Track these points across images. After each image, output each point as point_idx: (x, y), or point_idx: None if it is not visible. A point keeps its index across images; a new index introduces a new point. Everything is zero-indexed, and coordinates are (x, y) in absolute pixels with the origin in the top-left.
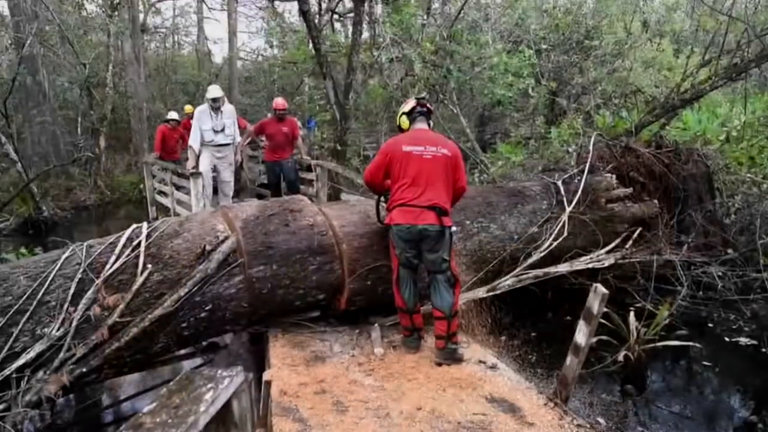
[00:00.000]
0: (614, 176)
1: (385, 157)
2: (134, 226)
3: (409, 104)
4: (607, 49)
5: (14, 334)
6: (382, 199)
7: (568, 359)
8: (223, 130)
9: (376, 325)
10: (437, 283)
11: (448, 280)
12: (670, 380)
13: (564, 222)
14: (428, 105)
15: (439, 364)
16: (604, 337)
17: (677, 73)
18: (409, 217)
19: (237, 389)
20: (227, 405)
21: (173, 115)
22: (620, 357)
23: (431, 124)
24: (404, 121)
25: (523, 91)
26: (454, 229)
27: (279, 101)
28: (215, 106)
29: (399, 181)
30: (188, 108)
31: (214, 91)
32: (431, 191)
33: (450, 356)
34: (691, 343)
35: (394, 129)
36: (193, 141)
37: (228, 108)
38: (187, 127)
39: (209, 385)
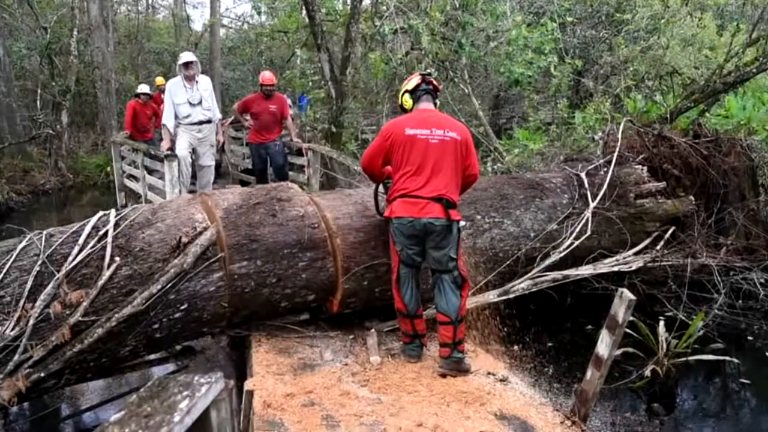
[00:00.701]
0: (645, 168)
1: (386, 140)
2: (101, 213)
3: (413, 81)
4: (640, 24)
5: None
6: (381, 188)
7: (589, 373)
8: (200, 103)
9: (372, 330)
10: (443, 283)
11: (455, 280)
12: (703, 399)
13: (587, 219)
14: (434, 82)
15: (443, 375)
16: (629, 349)
17: (720, 52)
18: (412, 209)
19: (216, 397)
20: (205, 415)
21: (144, 88)
22: (647, 372)
23: (438, 103)
24: (407, 100)
25: (544, 70)
26: (462, 223)
27: (267, 75)
28: (189, 74)
29: (401, 169)
30: (159, 80)
31: (187, 55)
32: (438, 180)
33: (455, 366)
34: (727, 358)
35: (396, 110)
36: (167, 118)
37: (204, 79)
38: (160, 102)
39: (185, 393)
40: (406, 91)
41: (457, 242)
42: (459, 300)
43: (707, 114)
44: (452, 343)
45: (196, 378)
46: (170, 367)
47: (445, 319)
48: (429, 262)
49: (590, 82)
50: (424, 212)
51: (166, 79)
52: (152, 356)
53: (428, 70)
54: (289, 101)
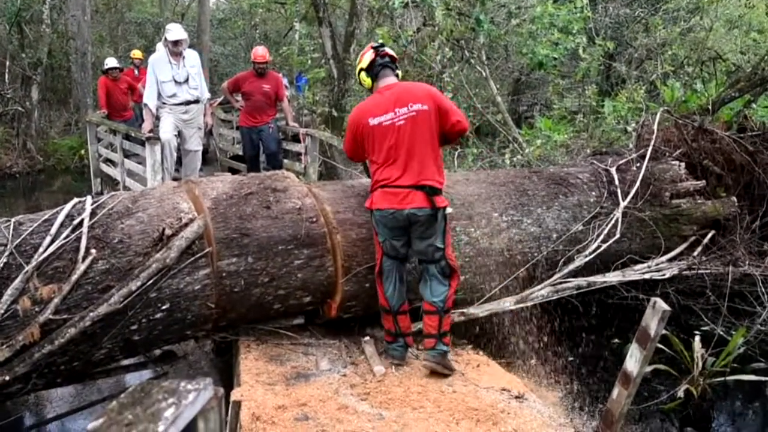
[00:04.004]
0: (683, 165)
1: (354, 133)
2: (75, 200)
3: (366, 57)
4: (681, 3)
5: None
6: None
7: (615, 391)
8: (186, 81)
9: (368, 337)
10: (429, 274)
11: (442, 270)
12: (742, 423)
13: (617, 219)
14: (389, 52)
15: (432, 373)
16: (661, 366)
17: None
18: (392, 200)
19: (205, 406)
20: (192, 425)
21: (112, 62)
22: (680, 392)
23: (399, 74)
24: (365, 79)
25: (571, 52)
26: (449, 210)
27: (259, 51)
28: (176, 50)
29: (375, 160)
30: (136, 53)
31: (178, 31)
32: (416, 166)
33: (440, 360)
34: None
35: None
36: (149, 98)
37: (191, 54)
38: (133, 78)
39: (170, 400)
40: (362, 69)
41: (443, 230)
42: (447, 289)
43: (754, 105)
44: (437, 334)
45: (182, 384)
46: (147, 373)
47: (430, 308)
48: (414, 253)
49: (623, 67)
50: (405, 203)
51: (147, 53)
52: (128, 361)
53: (380, 41)
54: (285, 81)
